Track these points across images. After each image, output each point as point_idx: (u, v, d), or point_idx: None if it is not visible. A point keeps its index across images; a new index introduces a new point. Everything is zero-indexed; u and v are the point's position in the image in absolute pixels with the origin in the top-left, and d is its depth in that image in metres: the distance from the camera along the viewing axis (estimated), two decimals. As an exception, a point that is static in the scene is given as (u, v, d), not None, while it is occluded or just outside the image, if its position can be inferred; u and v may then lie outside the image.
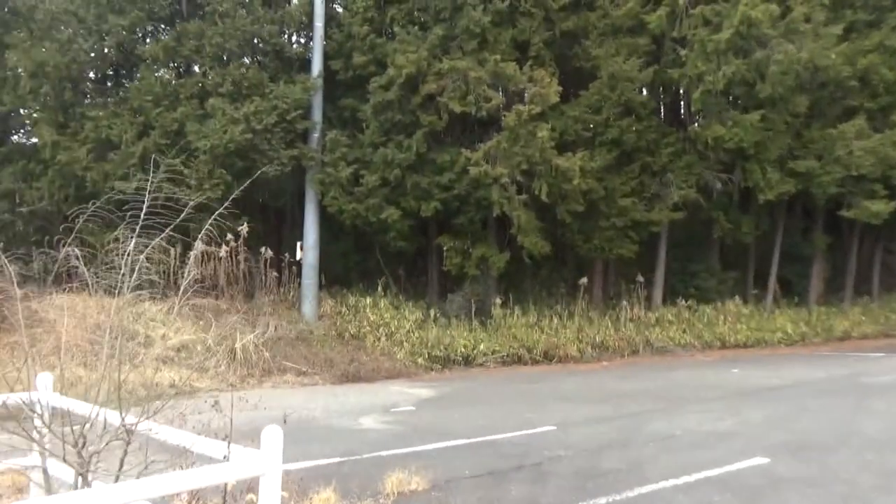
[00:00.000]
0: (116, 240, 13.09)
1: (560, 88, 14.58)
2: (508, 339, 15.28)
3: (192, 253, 12.87)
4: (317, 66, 15.56)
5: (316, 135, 15.50)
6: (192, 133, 14.12)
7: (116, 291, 12.68)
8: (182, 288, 12.83)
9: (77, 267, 13.18)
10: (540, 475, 5.21)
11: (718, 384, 10.73)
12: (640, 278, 17.26)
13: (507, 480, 5.09)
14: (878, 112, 17.91)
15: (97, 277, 12.27)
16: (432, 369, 13.96)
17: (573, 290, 17.39)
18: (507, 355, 14.88)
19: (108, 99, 15.05)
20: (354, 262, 17.37)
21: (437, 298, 17.02)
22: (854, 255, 21.36)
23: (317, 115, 15.57)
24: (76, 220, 13.46)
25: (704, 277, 18.92)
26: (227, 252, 13.90)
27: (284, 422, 3.92)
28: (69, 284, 14.34)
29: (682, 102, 16.57)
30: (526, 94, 14.35)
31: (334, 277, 17.33)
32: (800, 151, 17.54)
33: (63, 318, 11.77)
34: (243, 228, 14.04)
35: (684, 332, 16.88)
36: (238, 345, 12.34)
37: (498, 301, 15.88)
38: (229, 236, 14.01)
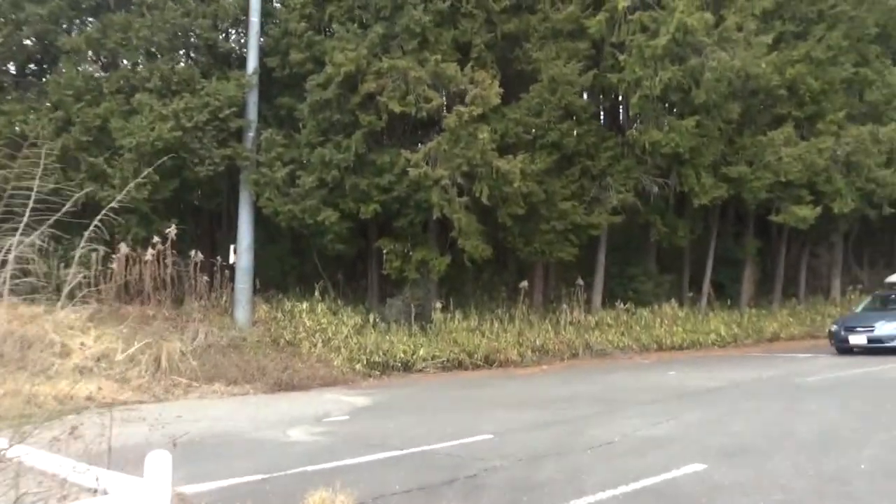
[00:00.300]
0: (32, 245, 12.16)
1: (501, 90, 14.49)
2: (449, 343, 15.07)
3: (115, 256, 12.23)
4: (252, 62, 15.02)
5: (251, 134, 14.96)
6: (117, 130, 13.39)
7: (33, 299, 11.75)
8: (103, 293, 12.02)
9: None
10: (474, 488, 4.98)
11: (656, 387, 10.78)
12: (580, 282, 17.35)
13: (439, 496, 4.84)
14: (804, 120, 18.58)
15: (6, 283, 11.31)
16: (370, 376, 13.62)
17: (514, 293, 17.33)
18: (448, 360, 14.67)
19: (27, 93, 14.10)
20: (291, 266, 16.85)
21: (377, 303, 16.67)
22: (782, 259, 22.10)
23: (252, 113, 15.03)
24: None
25: (642, 281, 19.20)
26: (153, 255, 13.21)
27: (174, 445, 3.55)
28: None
29: (620, 107, 16.74)
30: (467, 96, 14.18)
31: (270, 282, 16.77)
32: (732, 157, 18.00)
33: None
34: (171, 230, 13.40)
35: (623, 334, 17.05)
36: (164, 353, 11.70)
37: (438, 305, 15.67)
38: (156, 239, 13.37)
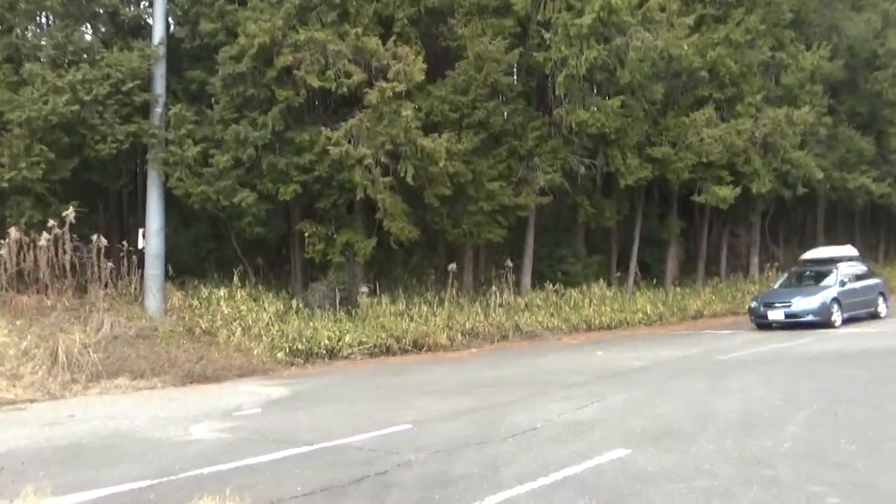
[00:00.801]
0: None
1: (425, 66, 13.98)
2: (376, 329, 14.58)
3: (3, 242, 11.13)
4: (158, 32, 13.97)
5: (158, 109, 13.94)
6: (4, 103, 12.17)
7: None
8: None
9: None
10: (383, 487, 4.57)
11: (582, 368, 10.65)
12: (510, 263, 17.15)
13: (344, 497, 4.40)
14: (725, 102, 18.90)
15: None
16: (293, 364, 13.01)
17: (444, 276, 16.98)
18: (375, 346, 14.19)
19: None
20: (208, 251, 15.95)
21: (300, 289, 15.99)
22: (705, 239, 22.60)
23: (159, 87, 14.00)
24: None
25: (571, 262, 19.19)
26: (48, 241, 12.13)
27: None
28: None
29: (547, 86, 16.54)
30: (390, 72, 13.62)
31: (185, 268, 15.81)
32: (656, 138, 18.12)
33: None
34: (69, 213, 12.34)
35: (552, 315, 16.98)
36: (61, 346, 10.75)
37: (365, 289, 15.14)
38: (52, 222, 12.29)
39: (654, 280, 20.85)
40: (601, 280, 19.18)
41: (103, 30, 13.90)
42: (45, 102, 12.26)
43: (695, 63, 17.18)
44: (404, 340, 14.59)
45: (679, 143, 17.86)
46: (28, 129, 12.20)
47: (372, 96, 13.38)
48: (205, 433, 6.66)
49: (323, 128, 13.56)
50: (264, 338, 13.54)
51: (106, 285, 13.16)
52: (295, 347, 13.36)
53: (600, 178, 18.49)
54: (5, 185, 12.18)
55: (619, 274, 20.36)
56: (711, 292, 21.25)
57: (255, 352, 13.04)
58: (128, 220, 15.80)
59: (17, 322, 11.66)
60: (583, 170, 17.19)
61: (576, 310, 17.62)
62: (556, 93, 15.96)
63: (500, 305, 16.79)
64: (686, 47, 16.40)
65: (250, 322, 13.91)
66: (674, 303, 19.72)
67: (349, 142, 13.53)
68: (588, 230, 20.47)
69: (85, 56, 13.14)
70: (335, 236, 15.05)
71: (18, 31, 12.62)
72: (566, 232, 20.22)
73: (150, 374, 10.83)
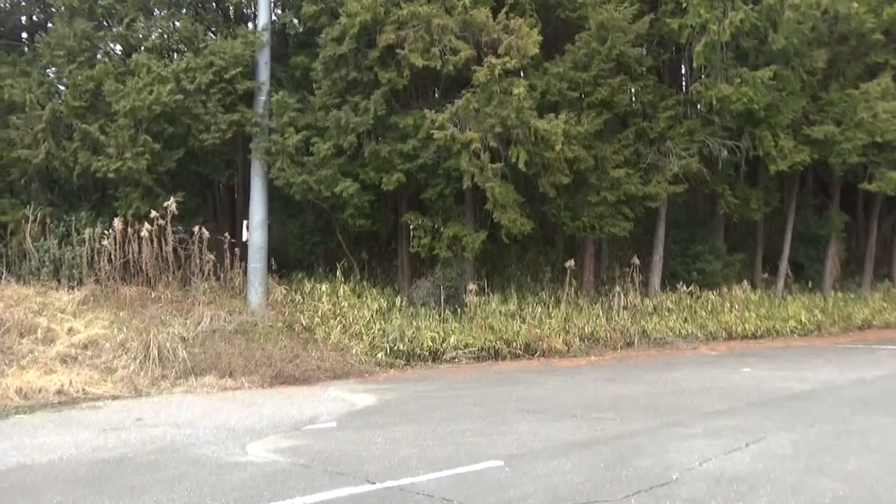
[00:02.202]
0: (27, 219, 10.78)
1: (540, 38, 12.49)
2: (484, 330, 13.32)
3: (108, 233, 10.96)
4: (262, 17, 13.48)
5: (262, 98, 13.44)
6: (111, 93, 12.09)
7: (28, 278, 10.43)
8: (102, 273, 10.67)
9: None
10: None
11: (727, 389, 8.76)
12: (636, 261, 15.28)
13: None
14: (905, 70, 15.81)
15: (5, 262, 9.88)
16: (393, 367, 12.04)
17: (561, 274, 15.42)
18: (482, 350, 12.94)
19: (21, 56, 12.97)
20: (313, 244, 15.37)
21: (407, 285, 15.05)
22: (874, 235, 19.32)
23: (263, 74, 13.50)
24: None
25: (708, 260, 16.90)
26: (150, 231, 11.91)
27: None
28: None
29: (682, 59, 14.53)
30: (500, 46, 12.27)
31: (290, 261, 15.41)
32: (816, 115, 15.46)
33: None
34: (170, 204, 12.07)
35: (685, 321, 14.93)
36: (155, 341, 10.38)
37: (472, 287, 13.90)
38: (154, 213, 12.07)
39: (809, 283, 18.03)
40: (744, 281, 16.75)
41: (208, 17, 13.60)
42: (150, 92, 12.06)
43: (867, 23, 14.38)
44: (515, 344, 13.23)
45: (846, 121, 15.10)
46: (132, 118, 12.06)
47: (480, 74, 12.10)
48: (261, 453, 5.70)
49: (427, 111, 12.45)
50: (365, 337, 12.70)
51: (208, 278, 12.83)
52: (396, 348, 12.41)
53: (745, 163, 16.05)
54: (112, 175, 12.10)
55: (765, 275, 17.75)
56: (882, 298, 18.10)
57: (354, 351, 12.21)
58: (235, 212, 15.55)
59: (120, 313, 11.50)
60: (724, 154, 14.94)
61: (713, 315, 15.43)
62: (693, 65, 13.90)
63: (625, 308, 14.98)
64: (856, 4, 13.73)
65: (351, 319, 13.12)
66: (834, 310, 16.91)
67: (455, 125, 12.33)
68: (729, 224, 18.02)
69: (189, 44, 12.88)
70: (442, 229, 13.94)
71: (127, 21, 12.50)
72: (703, 226, 17.88)
73: (239, 372, 10.21)
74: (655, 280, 15.93)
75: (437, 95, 13.52)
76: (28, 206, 12.36)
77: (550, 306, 14.50)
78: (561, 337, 13.73)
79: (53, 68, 12.81)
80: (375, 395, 8.90)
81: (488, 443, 5.85)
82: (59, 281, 12.17)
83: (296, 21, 13.69)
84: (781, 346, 13.96)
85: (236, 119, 12.91)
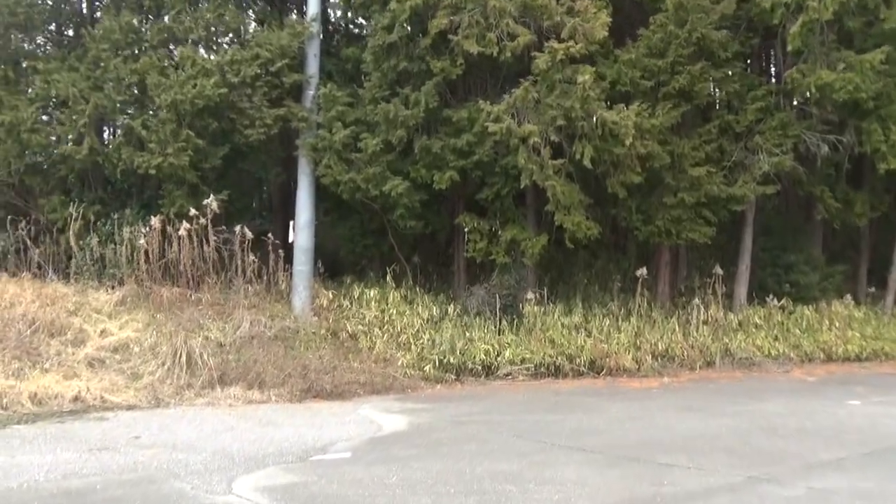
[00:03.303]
0: (73, 217, 10.26)
1: (609, 20, 11.20)
2: (543, 344, 12.08)
3: (144, 231, 10.44)
4: (312, 7, 12.80)
5: (311, 92, 12.75)
6: (154, 87, 11.65)
7: (69, 277, 9.92)
8: (142, 273, 10.08)
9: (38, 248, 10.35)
10: None
11: (833, 430, 7.18)
12: (719, 270, 13.65)
13: None
14: None
15: (47, 260, 9.39)
16: (441, 381, 11.02)
17: (632, 284, 13.98)
18: (540, 365, 11.71)
19: (70, 52, 12.77)
20: (364, 247, 14.53)
21: (463, 292, 13.98)
22: None
23: (312, 67, 12.82)
24: (34, 194, 10.66)
25: (803, 271, 14.97)
26: (188, 231, 11.36)
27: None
28: (21, 268, 12.34)
29: (775, 42, 12.86)
30: (564, 30, 11.06)
31: (340, 264, 14.65)
32: (937, 106, 13.35)
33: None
34: (210, 202, 11.48)
35: (776, 339, 13.17)
36: (185, 346, 9.75)
37: (531, 296, 12.68)
38: (193, 212, 11.52)
39: (924, 298, 15.76)
40: (846, 296, 14.75)
41: (257, 8, 13.03)
42: (194, 86, 11.53)
43: None
44: (578, 360, 11.93)
45: (973, 112, 12.98)
46: (175, 112, 11.56)
47: (540, 61, 10.94)
48: (246, 492, 4.78)
49: (482, 102, 11.37)
50: (413, 347, 11.74)
51: (251, 281, 12.19)
52: (446, 361, 11.36)
53: (848, 161, 14.12)
54: (153, 171, 11.64)
55: (872, 289, 15.65)
56: None
57: (400, 362, 11.27)
58: (286, 213, 14.91)
59: (157, 316, 10.99)
60: (824, 150, 13.12)
61: (810, 333, 13.59)
62: (788, 49, 12.22)
63: (705, 323, 13.38)
64: None
65: (399, 328, 12.19)
66: (956, 331, 14.63)
67: (513, 118, 11.20)
68: (828, 231, 16.04)
69: (235, 36, 12.33)
70: (499, 232, 12.82)
71: (173, 13, 12.06)
72: (797, 232, 15.94)
73: (270, 383, 9.41)
74: (741, 292, 14.22)
75: (493, 86, 12.39)
76: (73, 204, 12.05)
77: (620, 319, 13.11)
78: (631, 353, 12.33)
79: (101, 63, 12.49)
80: (409, 416, 7.87)
81: (520, 495, 4.69)
82: (100, 280, 11.80)
83: (347, 12, 12.87)
84: (892, 372, 12.00)
85: (282, 114, 12.25)
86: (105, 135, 12.98)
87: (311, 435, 6.77)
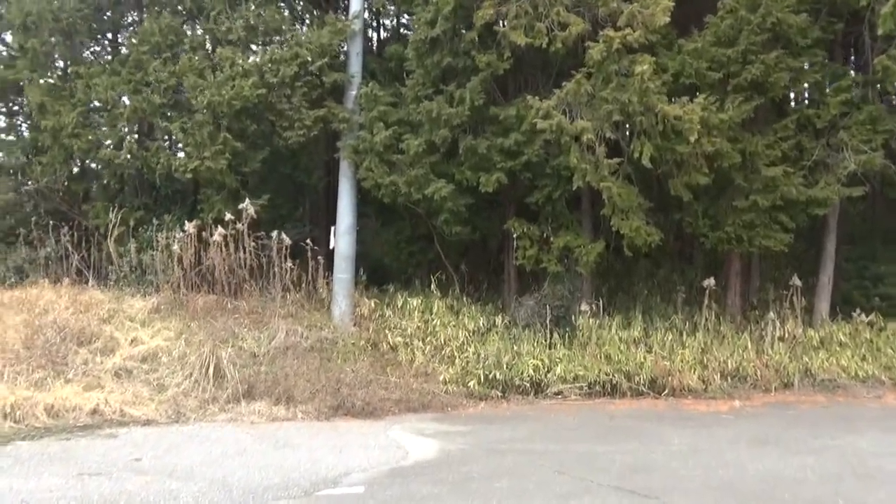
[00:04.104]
0: (113, 223, 9.97)
1: (671, 4, 10.18)
2: (598, 360, 11.08)
3: (177, 237, 10.07)
4: (355, 4, 12.30)
5: (353, 92, 12.23)
6: (191, 88, 11.35)
7: (112, 284, 9.59)
8: (179, 280, 9.70)
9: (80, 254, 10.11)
10: None
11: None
12: (797, 282, 12.30)
13: None
14: None
15: (89, 266, 9.09)
16: (486, 398, 10.19)
17: (698, 295, 12.81)
18: (595, 383, 10.72)
19: (113, 56, 12.67)
20: (409, 254, 13.90)
21: (514, 302, 13.13)
22: None
23: (354, 66, 12.31)
24: (79, 200, 10.44)
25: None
26: (223, 237, 10.96)
27: None
28: (63, 275, 12.24)
29: (862, 28, 11.50)
30: (620, 18, 10.13)
31: (385, 273, 14.05)
32: None
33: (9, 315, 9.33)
34: (245, 206, 11.06)
35: (864, 359, 11.71)
36: (213, 356, 9.28)
37: (585, 307, 11.71)
38: (229, 217, 11.12)
39: None
40: (947, 311, 13.11)
41: (298, 6, 12.62)
42: (231, 87, 11.17)
43: None
44: (637, 378, 10.87)
45: None
46: (211, 114, 11.23)
47: (595, 51, 10.04)
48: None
49: (530, 97, 10.54)
50: (457, 361, 10.96)
51: (288, 289, 11.70)
52: (491, 376, 10.53)
53: (949, 160, 12.55)
54: (189, 175, 11.32)
55: (976, 303, 13.87)
56: None
57: (442, 378, 10.52)
58: (327, 219, 14.44)
59: (191, 324, 10.60)
60: (921, 147, 11.66)
61: (904, 353, 12.05)
62: (878, 32, 10.85)
63: (781, 339, 12.05)
64: None
65: (443, 340, 11.45)
66: None
67: (564, 113, 10.33)
68: (924, 238, 14.37)
69: (275, 35, 11.92)
70: (551, 239, 11.94)
71: (214, 15, 11.75)
72: (889, 241, 14.34)
73: (299, 398, 8.81)
74: (823, 306, 12.81)
75: (544, 82, 11.55)
76: (112, 210, 11.88)
77: (684, 334, 11.96)
78: (696, 372, 11.18)
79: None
80: (442, 441, 7.09)
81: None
82: (138, 287, 11.56)
83: (389, 6, 12.30)
84: None
85: (322, 115, 11.78)
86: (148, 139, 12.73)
87: (328, 462, 6.09)
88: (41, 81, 12.20)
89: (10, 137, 13.55)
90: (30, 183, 13.34)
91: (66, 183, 12.90)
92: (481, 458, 6.48)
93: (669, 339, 11.75)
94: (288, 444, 6.71)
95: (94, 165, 13.33)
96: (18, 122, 13.69)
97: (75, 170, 13.61)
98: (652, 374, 10.91)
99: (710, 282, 11.86)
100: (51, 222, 12.14)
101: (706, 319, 12.11)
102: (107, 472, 5.51)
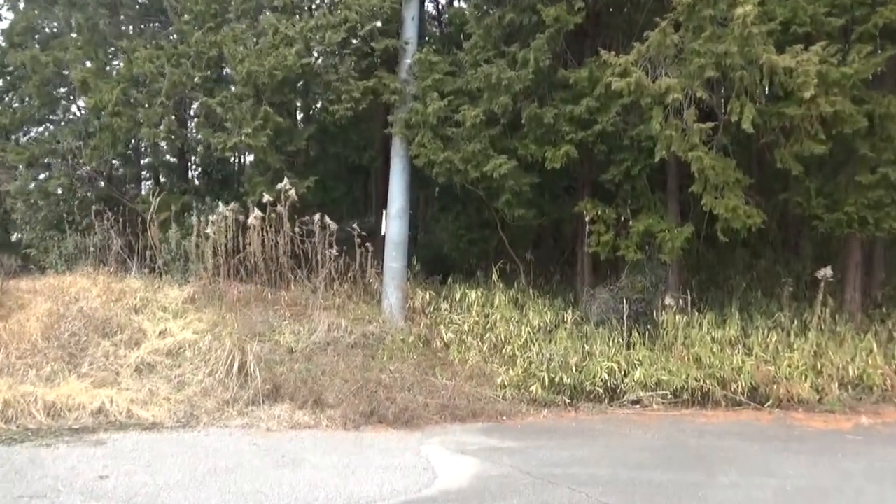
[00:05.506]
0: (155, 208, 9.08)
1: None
2: (686, 362, 9.41)
3: (212, 220, 9.20)
4: (410, -38, 11.08)
5: (408, 60, 11.02)
6: (231, 58, 10.47)
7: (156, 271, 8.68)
8: (214, 268, 8.68)
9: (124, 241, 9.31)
10: None
11: None
12: (935, 273, 10.14)
13: None
14: None
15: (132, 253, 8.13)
16: (550, 406, 8.80)
17: (810, 289, 10.85)
18: (682, 390, 9.08)
19: (159, 29, 12.03)
20: (469, 241, 12.58)
21: (585, 295, 11.58)
22: None
23: (409, 31, 11.09)
24: (125, 184, 9.54)
25: None
26: (262, 221, 10.01)
27: None
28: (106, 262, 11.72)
29: None
30: (716, -48, 8.40)
31: (444, 262, 12.82)
32: None
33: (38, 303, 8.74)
34: (284, 186, 10.07)
35: None
36: (238, 352, 8.33)
37: (670, 301, 10.02)
38: (267, 198, 10.18)
39: None
40: None
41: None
42: (274, 56, 10.20)
43: None
44: (734, 386, 9.14)
45: None
46: (252, 86, 10.30)
47: (684, -6, 8.36)
48: None
49: (603, 52, 8.96)
50: (519, 361, 9.59)
51: (333, 279, 10.65)
52: (558, 380, 9.09)
53: None
54: (228, 153, 10.45)
55: None
56: None
57: (500, 380, 9.16)
58: (376, 203, 13.35)
59: (227, 316, 9.73)
60: None
61: None
62: None
63: (917, 343, 9.95)
64: None
65: (504, 337, 10.10)
66: None
67: (645, 71, 8.70)
68: None
69: (323, 2, 10.89)
70: (630, 222, 10.32)
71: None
72: None
73: (329, 402, 7.72)
74: (969, 303, 10.54)
75: (625, 40, 9.92)
76: (154, 194, 11.22)
77: (792, 334, 10.04)
78: (808, 379, 9.31)
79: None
80: (483, 461, 5.77)
81: None
82: (180, 275, 10.84)
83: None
84: None
85: (372, 86, 10.62)
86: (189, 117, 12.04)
87: (329, 488, 4.91)
88: (86, 61, 11.69)
89: (62, 120, 13.23)
90: (82, 167, 12.94)
91: (116, 167, 12.37)
92: (526, 488, 5.09)
93: (773, 339, 9.90)
94: (294, 461, 5.59)
95: (142, 148, 12.79)
96: (70, 105, 13.34)
97: (126, 153, 13.14)
98: (752, 381, 9.16)
99: (826, 271, 9.87)
100: (102, 209, 11.67)
101: (819, 318, 10.14)
102: (53, 494, 4.58)
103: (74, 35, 11.55)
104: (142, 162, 12.62)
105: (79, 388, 7.25)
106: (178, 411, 7.23)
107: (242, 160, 11.12)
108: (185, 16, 10.91)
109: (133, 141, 11.62)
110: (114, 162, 12.23)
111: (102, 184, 12.34)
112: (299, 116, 12.77)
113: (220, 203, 10.37)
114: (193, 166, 13.04)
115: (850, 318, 10.57)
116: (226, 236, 10.03)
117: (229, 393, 7.80)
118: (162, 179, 12.59)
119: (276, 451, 5.93)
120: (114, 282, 10.29)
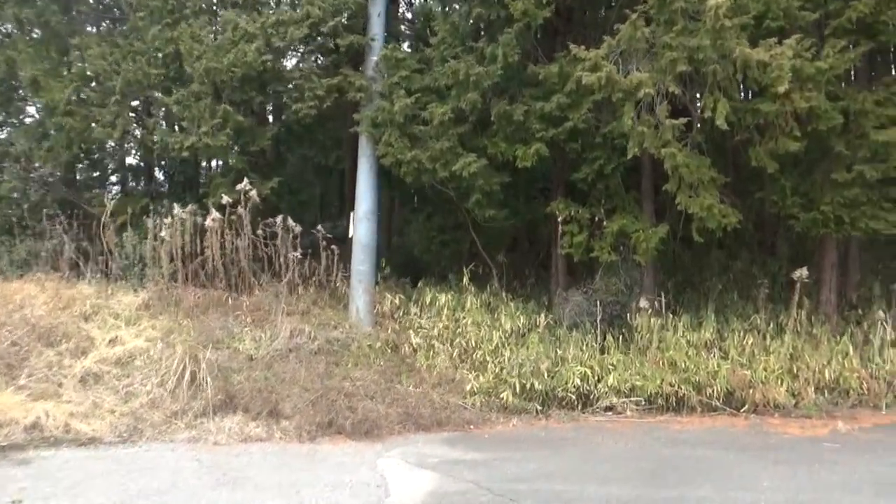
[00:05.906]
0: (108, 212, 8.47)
1: (753, -77, 8.14)
2: (661, 367, 9.13)
3: (166, 221, 8.72)
4: (375, -45, 10.73)
5: (374, 58, 10.65)
6: (187, 54, 10.03)
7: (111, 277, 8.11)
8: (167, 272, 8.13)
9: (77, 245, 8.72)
10: None
11: None
12: (912, 274, 9.97)
13: None
14: None
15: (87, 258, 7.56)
16: (521, 413, 8.46)
17: (785, 291, 10.65)
18: (657, 396, 8.79)
19: (114, 25, 11.56)
20: (441, 243, 12.24)
21: (558, 297, 11.27)
22: None
23: (375, 27, 10.72)
24: (79, 188, 8.94)
25: None
26: (219, 223, 9.58)
27: None
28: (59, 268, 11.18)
29: None
30: (687, -56, 8.15)
31: (415, 265, 12.47)
32: None
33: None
34: (245, 187, 9.65)
35: None
36: (190, 361, 7.89)
37: (644, 304, 9.73)
38: (226, 200, 9.75)
39: None
40: None
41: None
42: (233, 53, 9.79)
43: None
44: (709, 390, 8.86)
45: None
46: (210, 84, 9.87)
47: (654, -14, 8.10)
48: None
49: (573, 46, 8.67)
50: (490, 367, 9.23)
51: (297, 284, 10.24)
52: (530, 386, 8.75)
53: None
54: (186, 153, 10.00)
55: None
56: None
57: (469, 387, 8.80)
58: (342, 204, 12.98)
59: (183, 322, 9.27)
60: None
61: None
62: None
63: (894, 345, 9.76)
64: None
65: (474, 342, 9.74)
66: None
67: (617, 66, 8.42)
68: None
69: (285, -4, 10.51)
70: (604, 222, 10.03)
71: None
72: None
73: (283, 413, 7.30)
74: (945, 304, 10.39)
75: (594, 35, 9.64)
76: (108, 197, 10.73)
77: (768, 337, 9.82)
78: (785, 383, 9.07)
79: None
80: (443, 476, 5.40)
81: None
82: (136, 280, 10.36)
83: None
84: None
85: (336, 83, 10.23)
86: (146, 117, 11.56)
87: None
88: (38, 60, 11.17)
89: (14, 121, 12.69)
90: (37, 170, 12.41)
91: (80, 170, 11.86)
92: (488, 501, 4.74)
93: (750, 342, 9.66)
94: (234, 481, 5.18)
95: (108, 147, 12.28)
96: (25, 107, 12.80)
97: (92, 156, 12.64)
98: (728, 386, 8.90)
99: (802, 272, 9.65)
100: (55, 213, 11.15)
101: (795, 320, 9.92)
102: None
103: (25, 33, 11.02)
104: (110, 167, 12.11)
105: (14, 401, 6.78)
106: (120, 425, 6.77)
107: (210, 162, 10.67)
108: (141, 12, 10.44)
109: (97, 143, 11.09)
110: (78, 166, 11.69)
111: (64, 188, 11.80)
112: (270, 118, 12.39)
113: (174, 205, 9.89)
114: (158, 169, 12.56)
115: (826, 320, 10.37)
116: (183, 239, 9.57)
117: (178, 404, 7.36)
118: (131, 183, 12.09)
119: (219, 468, 5.52)
120: (64, 288, 9.77)
